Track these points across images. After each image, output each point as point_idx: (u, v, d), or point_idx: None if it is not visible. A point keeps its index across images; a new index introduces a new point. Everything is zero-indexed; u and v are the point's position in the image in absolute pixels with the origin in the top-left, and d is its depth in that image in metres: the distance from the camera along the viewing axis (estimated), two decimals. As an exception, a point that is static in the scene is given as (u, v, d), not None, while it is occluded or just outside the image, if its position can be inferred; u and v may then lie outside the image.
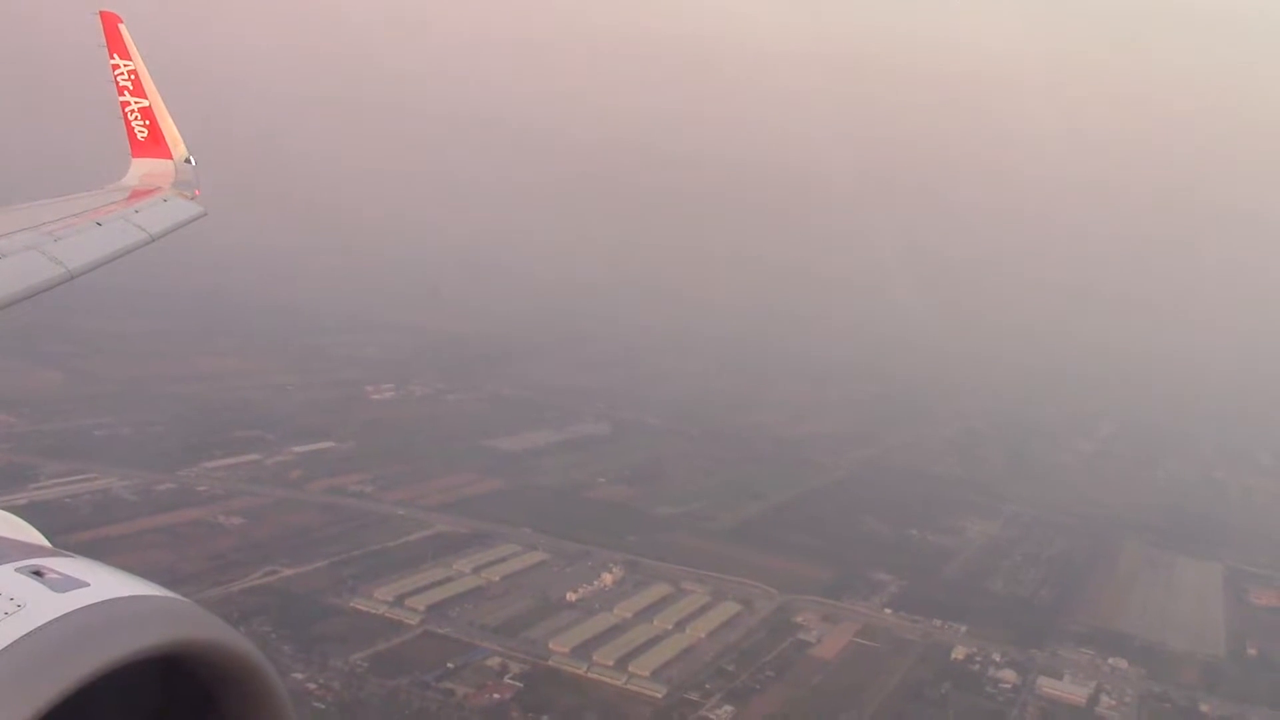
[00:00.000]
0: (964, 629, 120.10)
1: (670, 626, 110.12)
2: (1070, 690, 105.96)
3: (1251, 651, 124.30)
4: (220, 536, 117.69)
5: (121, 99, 24.01)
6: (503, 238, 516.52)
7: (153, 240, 17.84)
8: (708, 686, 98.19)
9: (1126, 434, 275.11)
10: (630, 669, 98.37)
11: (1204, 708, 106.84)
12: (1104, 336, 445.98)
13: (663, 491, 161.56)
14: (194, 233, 20.54)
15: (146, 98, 24.10)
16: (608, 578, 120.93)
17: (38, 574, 3.98)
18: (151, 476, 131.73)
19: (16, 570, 4.00)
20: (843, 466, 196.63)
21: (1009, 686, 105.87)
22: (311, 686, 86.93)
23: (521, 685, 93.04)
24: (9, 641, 3.53)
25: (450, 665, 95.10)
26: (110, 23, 23.29)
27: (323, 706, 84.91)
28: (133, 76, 23.80)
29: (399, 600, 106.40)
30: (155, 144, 24.25)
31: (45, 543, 5.98)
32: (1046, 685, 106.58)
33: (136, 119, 24.12)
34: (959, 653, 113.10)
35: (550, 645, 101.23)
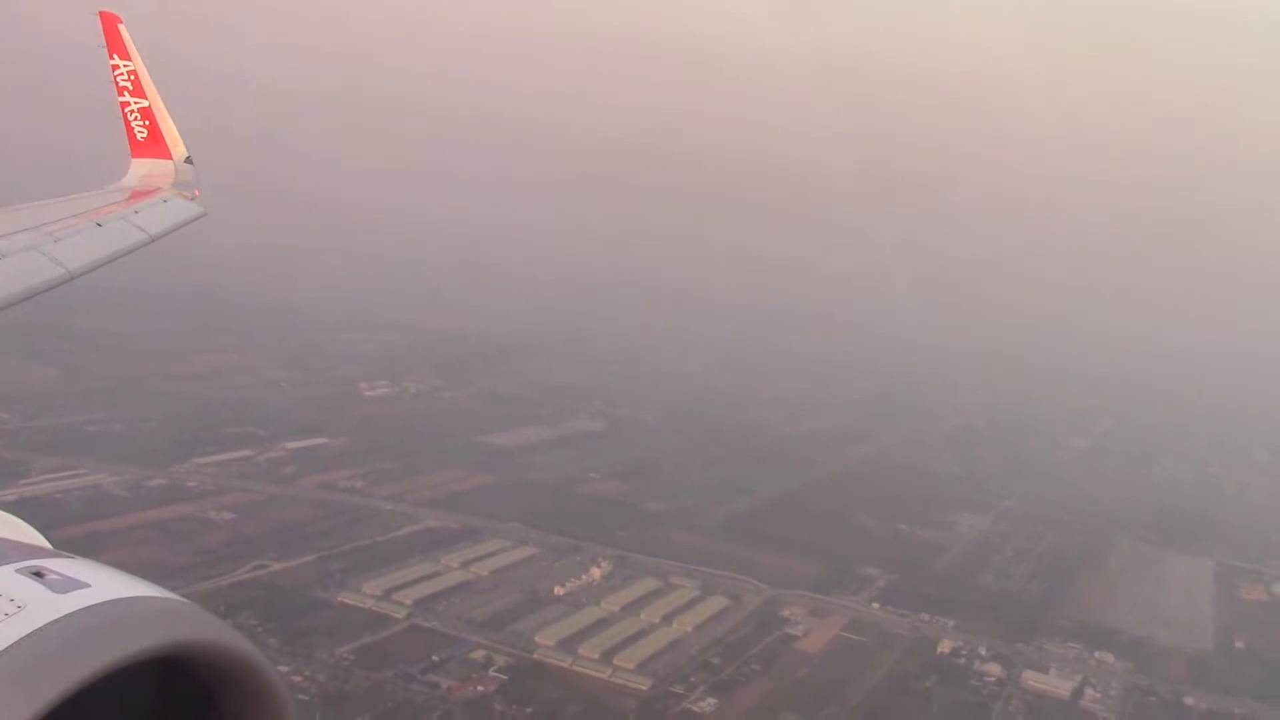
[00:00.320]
0: (951, 623, 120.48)
1: (657, 620, 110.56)
2: (1055, 684, 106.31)
3: (1239, 645, 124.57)
4: (210, 531, 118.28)
5: (121, 99, 24.10)
6: (502, 237, 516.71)
7: (153, 240, 17.94)
8: (692, 679, 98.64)
9: (1123, 431, 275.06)
10: (615, 662, 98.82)
11: (1189, 701, 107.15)
12: (1103, 335, 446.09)
13: (655, 487, 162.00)
14: (194, 232, 20.74)
15: (146, 98, 24.20)
16: (596, 572, 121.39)
17: (38, 575, 3.99)
18: (143, 472, 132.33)
19: (17, 571, 4.00)
20: (837, 463, 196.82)
21: (994, 680, 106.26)
22: (296, 679, 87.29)
23: (506, 678, 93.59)
24: (9, 642, 3.54)
25: (435, 658, 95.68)
26: (110, 23, 23.37)
27: (307, 699, 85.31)
28: (132, 77, 23.89)
29: (386, 594, 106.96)
30: (155, 144, 24.34)
31: (46, 544, 6.06)
32: (1031, 679, 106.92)
33: (136, 119, 24.21)
34: (945, 646, 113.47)
35: (536, 639, 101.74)
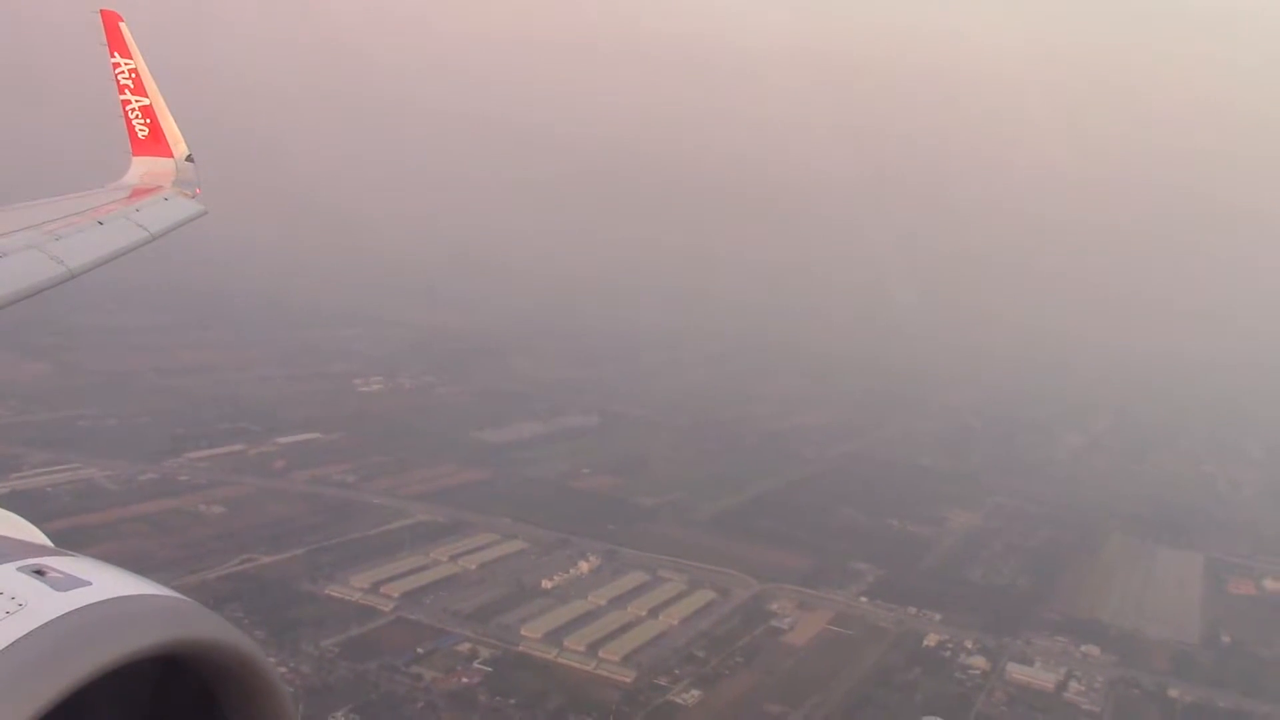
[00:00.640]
0: (938, 617, 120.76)
1: (644, 613, 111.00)
2: (1039, 676, 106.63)
3: (1225, 639, 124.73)
4: (199, 525, 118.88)
5: (122, 97, 23.96)
6: (501, 235, 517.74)
7: (154, 239, 17.86)
8: (677, 672, 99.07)
9: (1119, 428, 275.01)
10: (601, 654, 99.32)
11: (1172, 693, 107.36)
12: (1103, 333, 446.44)
13: (646, 482, 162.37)
14: (194, 229, 20.81)
15: (147, 96, 24.07)
16: (584, 566, 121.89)
17: (39, 573, 3.99)
18: (134, 466, 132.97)
19: (18, 569, 4.01)
20: (829, 459, 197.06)
21: (978, 672, 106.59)
22: (281, 670, 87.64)
23: (490, 670, 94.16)
24: (11, 640, 3.54)
25: (420, 650, 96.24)
26: (111, 21, 23.23)
27: (291, 690, 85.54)
28: (133, 75, 23.74)
29: (374, 587, 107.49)
30: (156, 142, 24.22)
31: (47, 542, 6.09)
32: (1016, 671, 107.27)
33: (137, 117, 24.09)
34: (931, 640, 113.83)
35: (522, 631, 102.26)
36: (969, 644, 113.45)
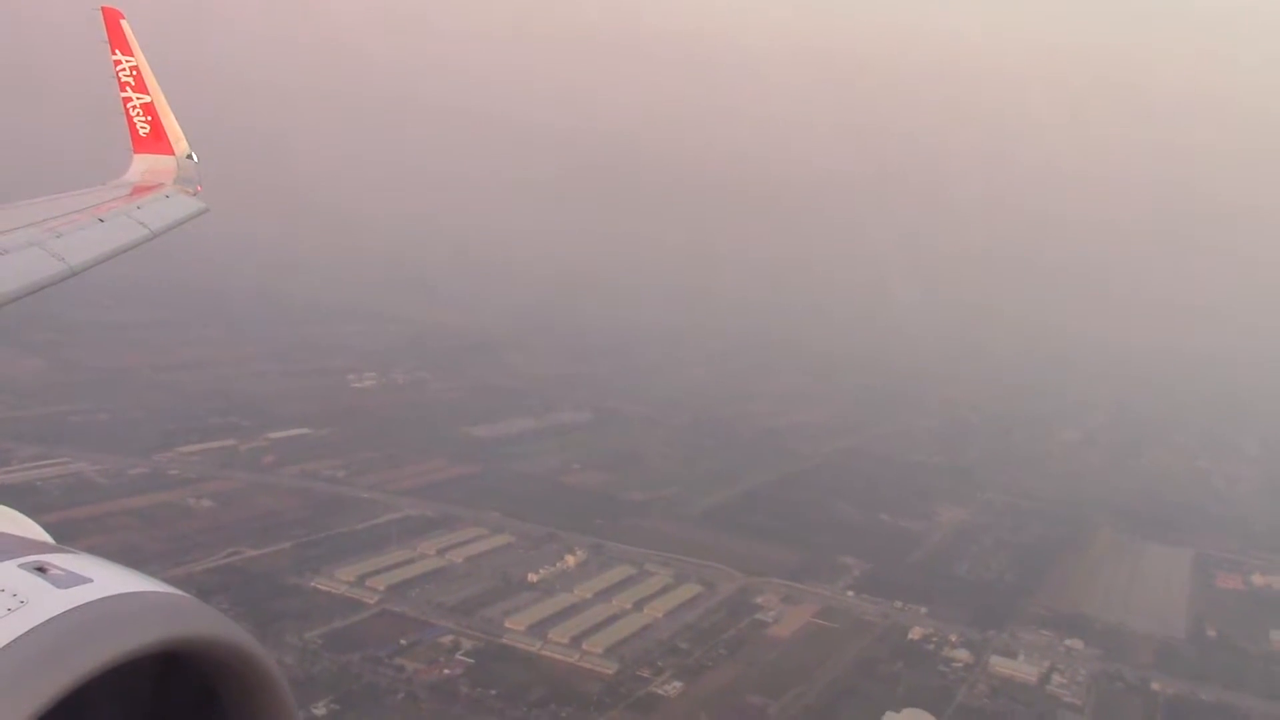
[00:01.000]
0: (924, 611, 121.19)
1: (629, 606, 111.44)
2: (1022, 669, 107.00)
3: (1211, 633, 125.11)
4: (188, 519, 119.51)
5: (123, 95, 24.08)
6: (501, 232, 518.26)
7: (155, 236, 17.84)
8: (659, 664, 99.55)
9: (1116, 424, 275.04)
10: (584, 647, 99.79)
11: (1155, 686, 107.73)
12: (1103, 329, 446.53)
13: (637, 477, 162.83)
14: (195, 226, 20.94)
15: (148, 94, 24.20)
16: (570, 560, 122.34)
17: (41, 570, 3.99)
18: (125, 461, 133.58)
19: (20, 566, 4.00)
20: (823, 454, 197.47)
21: (961, 665, 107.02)
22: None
23: (472, 661, 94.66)
24: (12, 637, 3.54)
25: (403, 642, 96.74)
26: (112, 19, 23.38)
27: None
28: (135, 72, 23.87)
29: (360, 580, 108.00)
30: (157, 140, 24.36)
31: (49, 539, 6.11)
32: (999, 664, 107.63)
33: (138, 115, 24.21)
34: (916, 633, 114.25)
35: (506, 624, 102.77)
36: (953, 637, 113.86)
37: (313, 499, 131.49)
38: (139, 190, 21.37)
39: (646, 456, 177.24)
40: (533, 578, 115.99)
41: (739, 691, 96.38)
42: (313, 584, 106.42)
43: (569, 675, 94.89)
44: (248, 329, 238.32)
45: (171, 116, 24.49)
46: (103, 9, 23.12)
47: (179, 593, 4.13)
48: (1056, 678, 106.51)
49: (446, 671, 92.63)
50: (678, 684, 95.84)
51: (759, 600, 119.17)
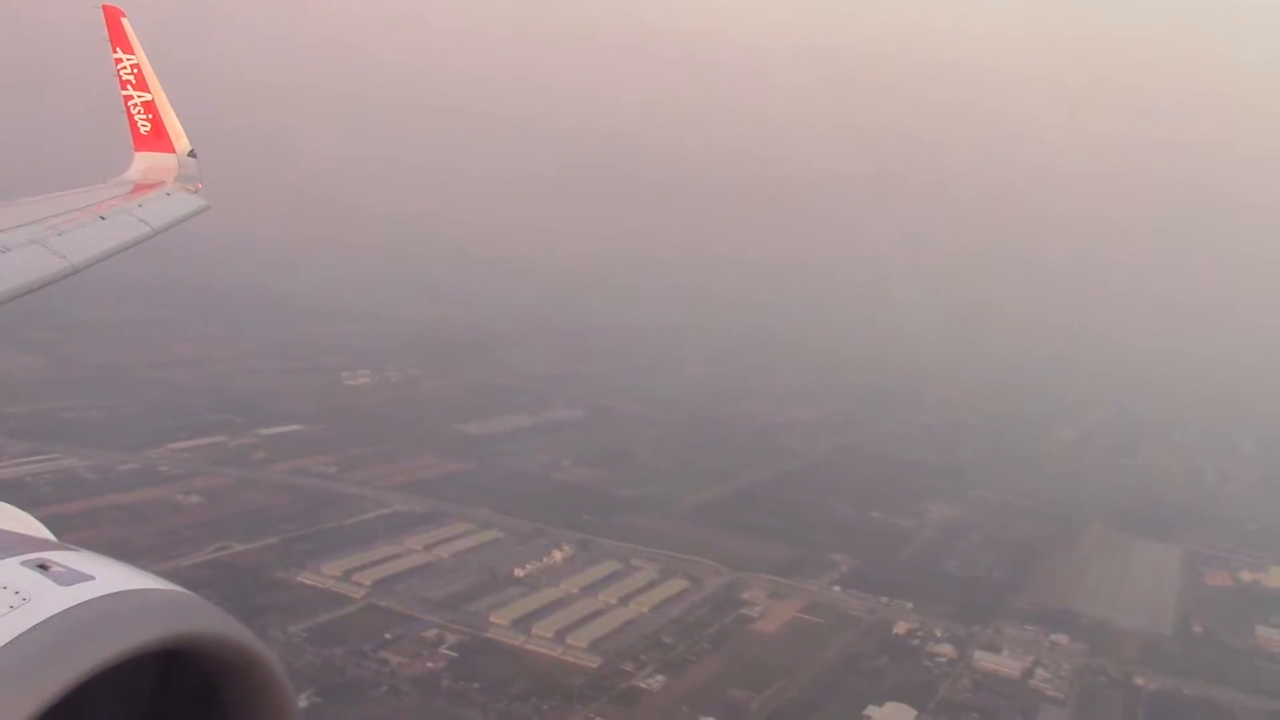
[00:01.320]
0: (910, 606, 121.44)
1: (614, 601, 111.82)
2: (1006, 664, 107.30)
3: (1197, 629, 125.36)
4: (176, 514, 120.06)
5: (124, 93, 24.16)
6: (502, 230, 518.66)
7: (156, 234, 17.90)
8: (643, 658, 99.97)
9: (1113, 423, 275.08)
10: (568, 640, 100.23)
11: (1138, 681, 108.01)
12: (1102, 327, 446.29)
13: (628, 474, 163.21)
14: (196, 224, 21.08)
15: (149, 91, 24.27)
16: (558, 555, 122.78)
17: (43, 568, 4.00)
18: (115, 457, 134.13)
19: (22, 564, 4.02)
20: (817, 452, 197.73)
21: (945, 660, 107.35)
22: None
23: (456, 655, 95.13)
24: (14, 635, 3.55)
25: (388, 636, 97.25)
26: (113, 17, 23.50)
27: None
28: (135, 70, 23.96)
29: (346, 575, 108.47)
30: (158, 138, 24.42)
31: (51, 536, 6.16)
32: (983, 659, 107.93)
33: (139, 113, 24.26)
34: (901, 628, 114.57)
35: (491, 618, 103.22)
36: (938, 632, 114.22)
37: (302, 495, 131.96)
38: (140, 188, 21.53)
39: (639, 453, 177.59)
40: (519, 573, 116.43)
41: (722, 685, 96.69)
42: (299, 579, 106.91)
43: (552, 669, 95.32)
44: (246, 327, 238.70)
45: (172, 114, 24.63)
46: (103, 7, 23.23)
47: (181, 590, 4.18)
48: (1040, 672, 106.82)
49: (430, 665, 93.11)
50: (660, 678, 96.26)
51: (745, 595, 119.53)
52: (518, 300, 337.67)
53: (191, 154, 24.46)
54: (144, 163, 23.92)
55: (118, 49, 23.63)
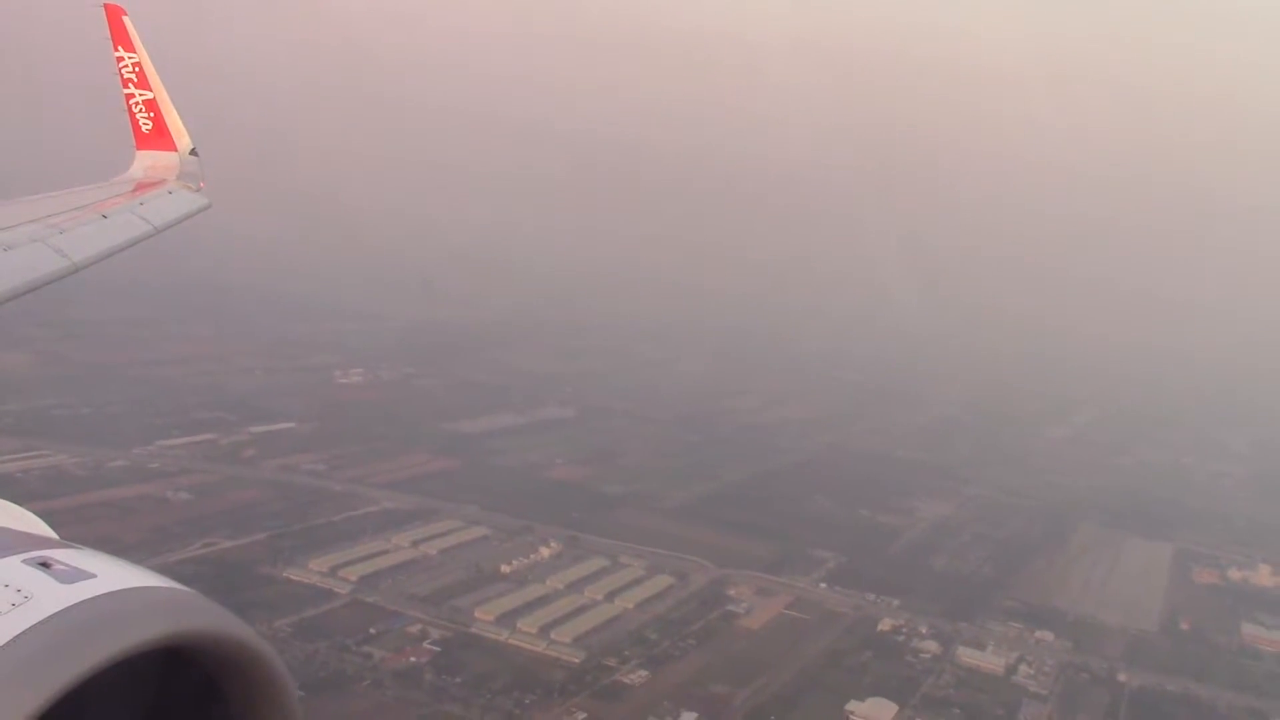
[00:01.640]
0: (896, 603, 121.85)
1: (600, 597, 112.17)
2: (989, 660, 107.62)
3: (1184, 626, 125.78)
4: (165, 510, 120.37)
5: (126, 92, 24.26)
6: (501, 229, 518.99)
7: (158, 232, 17.93)
8: (627, 653, 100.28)
9: (1105, 421, 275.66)
10: (552, 636, 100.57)
11: (1121, 678, 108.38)
12: (1103, 327, 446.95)
13: (617, 472, 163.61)
14: (197, 222, 21.17)
15: (151, 90, 24.35)
16: (545, 551, 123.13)
17: (45, 565, 4.03)
18: (105, 454, 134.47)
19: (24, 562, 4.04)
20: (808, 449, 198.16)
21: (929, 656, 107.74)
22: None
23: (439, 650, 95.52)
24: (16, 633, 3.57)
25: (372, 631, 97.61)
26: (114, 15, 23.60)
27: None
28: (137, 69, 24.06)
29: (332, 571, 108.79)
30: (160, 136, 24.48)
31: (53, 535, 6.23)
32: (966, 655, 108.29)
33: (141, 111, 24.32)
34: (886, 625, 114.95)
35: (475, 614, 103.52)
36: (923, 629, 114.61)
37: (291, 492, 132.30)
38: (142, 186, 21.60)
39: (629, 451, 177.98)
40: (505, 569, 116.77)
41: (705, 681, 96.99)
42: (285, 574, 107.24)
43: (535, 664, 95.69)
44: (244, 325, 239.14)
45: (174, 113, 24.70)
46: (105, 5, 23.31)
47: (183, 588, 4.23)
48: (1024, 668, 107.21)
49: (413, 659, 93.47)
50: (644, 673, 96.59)
51: (731, 592, 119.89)
52: (517, 299, 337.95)
53: (193, 152, 24.57)
54: (146, 161, 24.01)
55: (119, 47, 23.74)
